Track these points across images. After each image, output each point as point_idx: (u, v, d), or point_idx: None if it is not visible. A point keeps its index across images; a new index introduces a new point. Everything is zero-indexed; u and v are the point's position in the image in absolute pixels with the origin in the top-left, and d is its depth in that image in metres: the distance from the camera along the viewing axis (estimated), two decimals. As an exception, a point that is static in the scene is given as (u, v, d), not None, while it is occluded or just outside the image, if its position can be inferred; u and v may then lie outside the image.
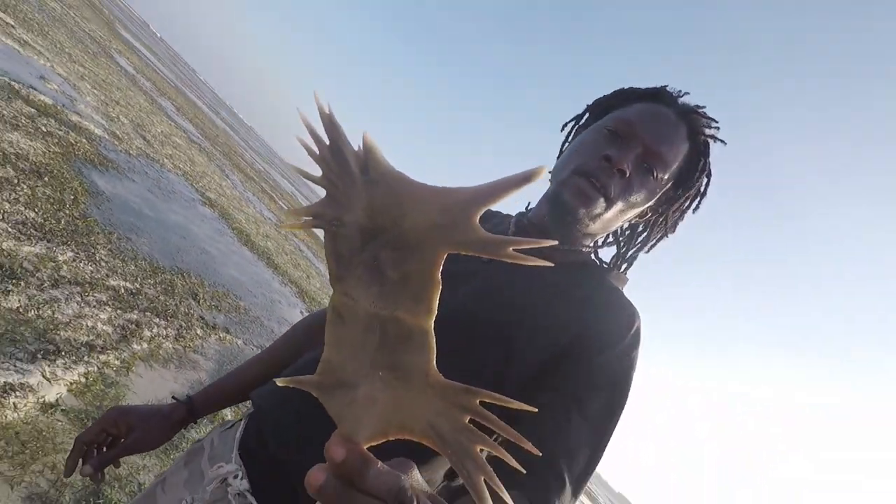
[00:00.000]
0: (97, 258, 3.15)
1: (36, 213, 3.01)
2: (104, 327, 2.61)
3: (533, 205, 0.85)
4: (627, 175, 0.71)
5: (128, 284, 3.20)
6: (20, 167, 3.35)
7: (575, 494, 0.61)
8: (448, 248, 0.26)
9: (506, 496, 0.28)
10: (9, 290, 2.25)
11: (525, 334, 0.68)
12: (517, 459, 0.41)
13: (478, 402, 0.28)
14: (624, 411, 0.67)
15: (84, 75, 7.52)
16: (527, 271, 0.74)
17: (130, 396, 2.34)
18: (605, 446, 0.65)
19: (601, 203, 0.71)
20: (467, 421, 0.28)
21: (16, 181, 3.14)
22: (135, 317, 2.95)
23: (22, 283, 2.36)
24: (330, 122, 0.27)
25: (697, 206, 0.80)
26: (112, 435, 0.79)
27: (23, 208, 2.94)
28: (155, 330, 3.01)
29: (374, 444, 0.29)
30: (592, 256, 0.83)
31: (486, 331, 0.68)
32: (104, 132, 5.78)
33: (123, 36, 21.67)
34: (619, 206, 0.72)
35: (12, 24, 6.57)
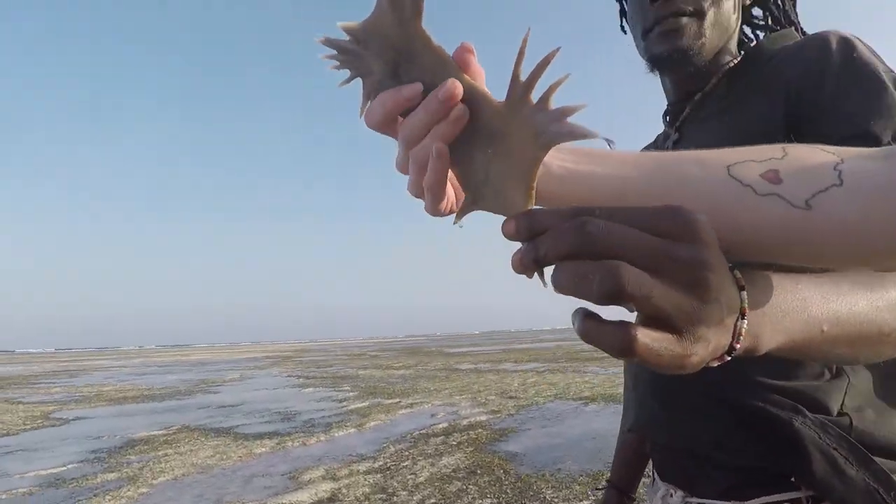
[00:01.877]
0: (547, 498, 3.33)
1: (490, 497, 3.46)
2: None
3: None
4: None
5: (588, 502, 3.23)
6: (460, 476, 4.01)
7: None
8: (415, 27, 0.31)
9: None
10: (516, 566, 2.46)
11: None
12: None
13: (518, 72, 0.29)
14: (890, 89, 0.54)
15: (451, 393, 9.28)
16: (709, 125, 0.70)
17: None
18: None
19: (689, 22, 0.66)
20: (532, 96, 0.30)
21: (464, 486, 3.73)
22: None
23: (519, 554, 2.57)
24: (328, 40, 0.33)
25: None
26: None
27: (481, 500, 3.41)
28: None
29: (532, 200, 0.31)
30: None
31: None
32: (487, 415, 6.75)
33: (454, 351, 27.04)
34: (707, 2, 0.66)
35: (398, 399, 8.79)
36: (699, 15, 0.66)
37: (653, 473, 0.78)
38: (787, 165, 0.29)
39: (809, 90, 0.57)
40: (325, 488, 3.87)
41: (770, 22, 0.76)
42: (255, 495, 3.80)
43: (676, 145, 0.73)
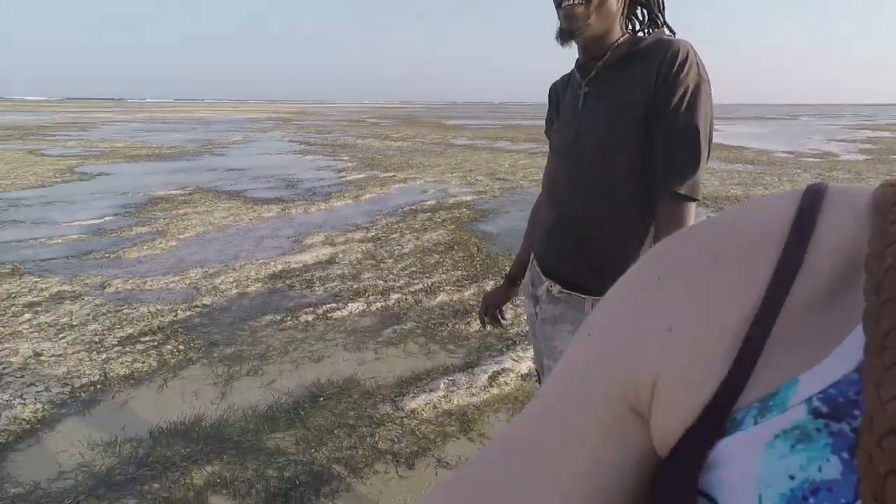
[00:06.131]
0: (508, 275, 4.08)
1: (461, 270, 4.20)
2: (534, 314, 3.35)
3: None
4: None
5: (537, 280, 3.98)
6: (439, 250, 4.74)
7: (690, 193, 0.97)
8: None
9: None
10: (468, 321, 3.24)
11: (620, 128, 1.03)
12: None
13: None
14: (705, 117, 0.96)
15: (443, 171, 9.84)
16: (598, 99, 1.08)
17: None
18: (701, 147, 0.96)
19: (581, 9, 0.98)
20: None
21: (441, 259, 4.47)
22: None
23: (473, 314, 3.35)
24: None
25: None
26: (488, 305, 1.44)
27: (453, 271, 4.16)
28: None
29: None
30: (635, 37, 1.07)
31: (594, 141, 1.08)
32: (473, 195, 7.39)
33: (453, 124, 27.02)
34: None
35: (393, 173, 9.38)
36: (588, 3, 0.98)
37: (536, 272, 1.25)
38: None
39: (661, 91, 0.96)
40: (325, 252, 4.63)
41: (647, 20, 1.11)
42: (265, 254, 4.56)
43: (587, 97, 1.10)
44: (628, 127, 1.01)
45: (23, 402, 2.32)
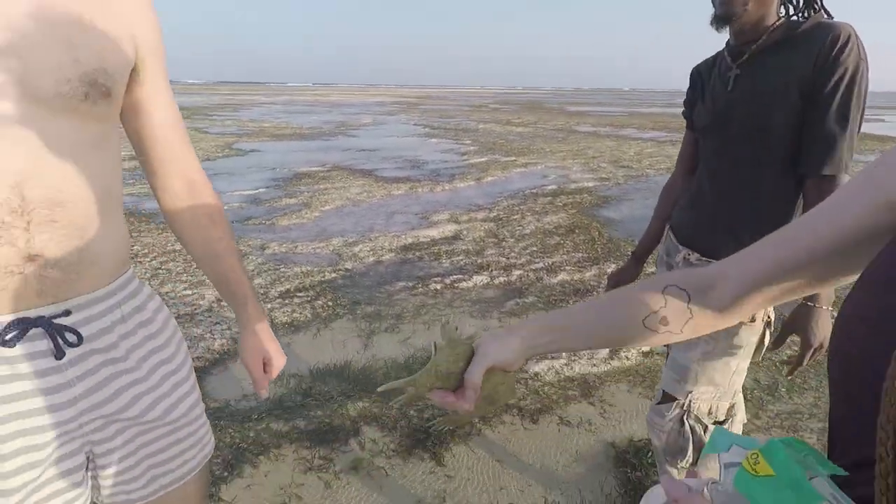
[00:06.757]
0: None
1: (582, 252, 4.21)
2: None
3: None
4: None
5: (663, 268, 3.87)
6: (560, 232, 4.78)
7: (838, 172, 1.02)
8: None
9: None
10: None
11: (773, 110, 1.06)
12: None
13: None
14: (859, 98, 1.00)
15: (564, 157, 9.70)
16: (751, 81, 1.11)
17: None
18: (849, 127, 1.00)
19: None
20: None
21: (562, 241, 4.51)
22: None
23: (593, 293, 3.37)
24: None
25: None
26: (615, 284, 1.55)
27: (573, 253, 4.19)
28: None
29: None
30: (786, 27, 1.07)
31: (745, 122, 1.13)
32: (595, 182, 7.23)
33: (576, 110, 26.27)
34: None
35: (514, 158, 9.44)
36: None
37: (672, 242, 1.32)
38: (669, 311, 0.56)
39: (821, 75, 0.99)
40: (450, 229, 4.88)
41: (802, 4, 1.12)
42: (396, 228, 4.93)
43: (737, 79, 1.14)
44: (781, 109, 1.05)
45: (212, 336, 2.84)
